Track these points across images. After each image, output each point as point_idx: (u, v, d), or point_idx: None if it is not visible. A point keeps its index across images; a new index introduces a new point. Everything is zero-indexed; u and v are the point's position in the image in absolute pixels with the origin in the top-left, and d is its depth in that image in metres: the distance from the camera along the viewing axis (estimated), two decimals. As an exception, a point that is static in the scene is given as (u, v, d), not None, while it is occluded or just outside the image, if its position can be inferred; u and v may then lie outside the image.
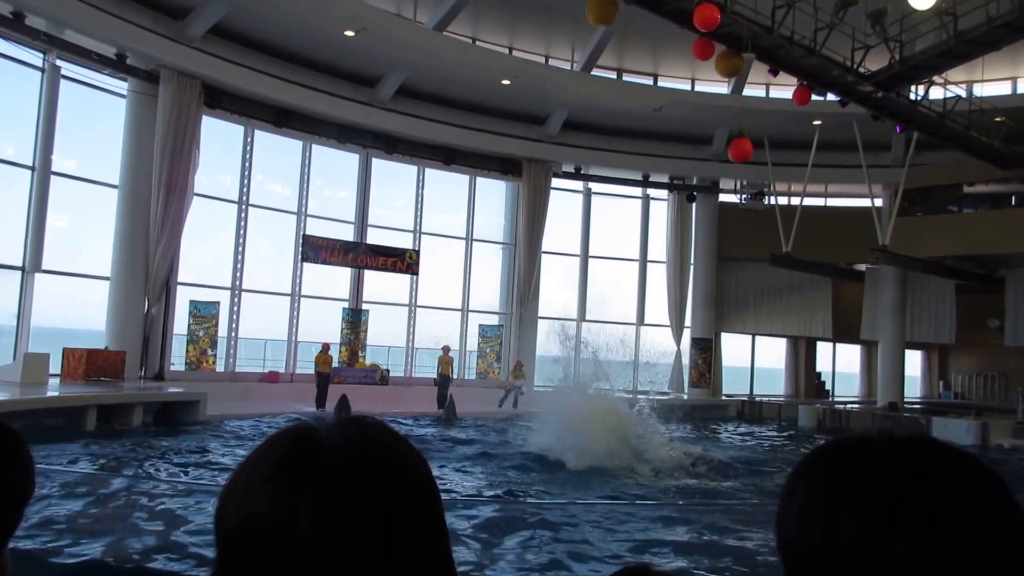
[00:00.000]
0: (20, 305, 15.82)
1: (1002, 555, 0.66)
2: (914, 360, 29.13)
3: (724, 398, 25.22)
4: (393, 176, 22.65)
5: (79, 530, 6.89)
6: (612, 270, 26.22)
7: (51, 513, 7.27)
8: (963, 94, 18.73)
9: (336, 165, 21.85)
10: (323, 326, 21.10)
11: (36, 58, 15.89)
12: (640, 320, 26.06)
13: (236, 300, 19.77)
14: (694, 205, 25.69)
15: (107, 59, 16.55)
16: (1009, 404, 23.29)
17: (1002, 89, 22.29)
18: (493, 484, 10.60)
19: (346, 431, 0.76)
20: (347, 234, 21.61)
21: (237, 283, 19.77)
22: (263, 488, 0.72)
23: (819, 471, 0.74)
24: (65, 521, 7.10)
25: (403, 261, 22.08)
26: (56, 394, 13.73)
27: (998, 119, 18.99)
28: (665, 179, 25.38)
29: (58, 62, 16.12)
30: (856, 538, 0.68)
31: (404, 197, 23.11)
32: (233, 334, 19.73)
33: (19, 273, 15.82)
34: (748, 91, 22.75)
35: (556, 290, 25.00)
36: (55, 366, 15.37)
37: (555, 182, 24.09)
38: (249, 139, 19.90)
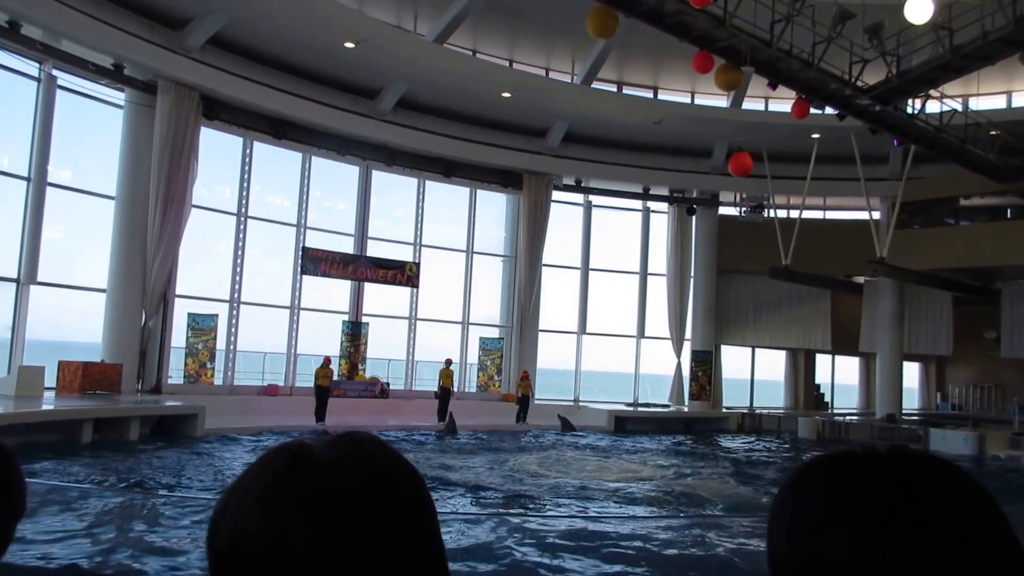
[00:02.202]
0: (15, 317, 15.74)
1: (992, 563, 0.67)
2: (912, 372, 29.12)
3: (724, 411, 25.18)
4: (393, 188, 22.66)
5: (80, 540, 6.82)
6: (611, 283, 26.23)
7: (49, 524, 7.20)
8: (959, 108, 18.80)
9: (336, 177, 21.84)
10: (323, 339, 21.03)
11: (32, 68, 15.88)
12: (640, 333, 26.05)
13: (235, 313, 19.70)
14: (694, 218, 25.74)
15: (104, 69, 16.52)
16: (1006, 415, 23.34)
17: (997, 103, 22.42)
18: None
19: (339, 447, 0.76)
20: (347, 246, 21.58)
21: (236, 296, 19.71)
22: (257, 505, 0.71)
23: (808, 486, 0.75)
24: (62, 534, 7.04)
25: (403, 274, 22.04)
26: (52, 408, 13.67)
27: (993, 132, 19.08)
28: (665, 192, 25.44)
29: (54, 72, 16.11)
30: (849, 550, 0.68)
31: (404, 209, 23.09)
32: (232, 347, 19.65)
33: (14, 285, 15.76)
34: (747, 104, 22.83)
35: (557, 302, 25.00)
36: (51, 379, 15.30)
37: (555, 195, 24.12)
38: (248, 150, 19.89)
